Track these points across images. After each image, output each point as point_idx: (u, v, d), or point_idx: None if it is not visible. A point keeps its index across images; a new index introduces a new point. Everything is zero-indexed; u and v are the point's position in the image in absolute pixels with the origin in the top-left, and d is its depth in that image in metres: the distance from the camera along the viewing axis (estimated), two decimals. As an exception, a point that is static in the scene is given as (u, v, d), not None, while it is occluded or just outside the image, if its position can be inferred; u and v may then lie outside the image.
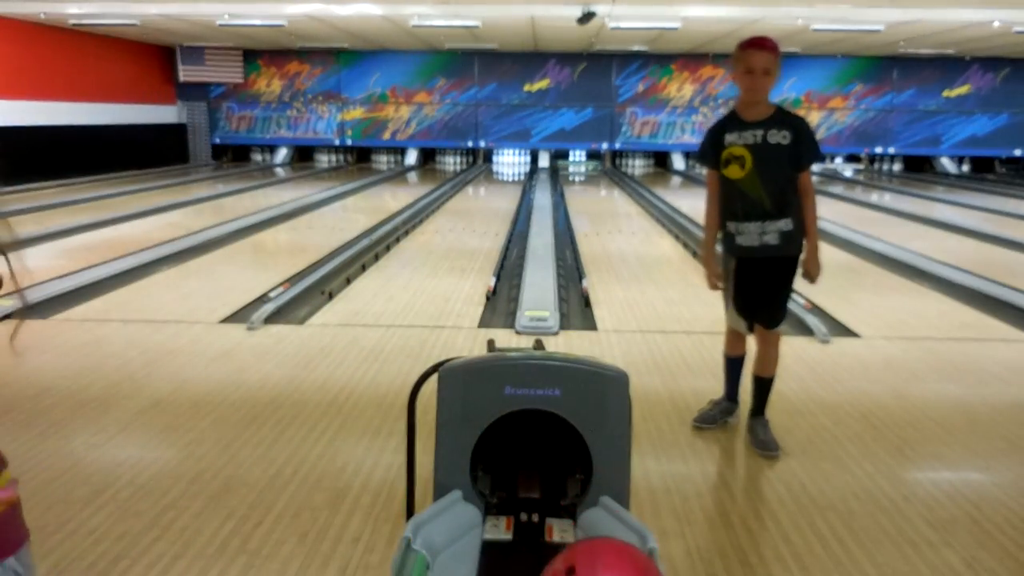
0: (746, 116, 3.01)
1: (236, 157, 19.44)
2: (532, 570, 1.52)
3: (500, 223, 9.70)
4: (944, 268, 6.87)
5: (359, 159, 19.56)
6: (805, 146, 2.97)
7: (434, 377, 1.88)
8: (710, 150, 3.09)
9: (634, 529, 1.68)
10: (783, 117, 2.99)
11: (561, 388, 1.78)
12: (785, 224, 3.02)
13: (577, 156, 19.84)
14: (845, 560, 2.44)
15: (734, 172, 3.01)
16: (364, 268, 6.83)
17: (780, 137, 2.95)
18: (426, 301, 5.69)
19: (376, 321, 5.15)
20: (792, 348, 4.34)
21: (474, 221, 10.08)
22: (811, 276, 3.10)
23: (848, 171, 18.80)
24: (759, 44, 2.91)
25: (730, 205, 3.10)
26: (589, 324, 5.21)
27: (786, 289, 3.19)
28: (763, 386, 3.28)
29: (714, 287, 3.24)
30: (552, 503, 1.84)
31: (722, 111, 18.51)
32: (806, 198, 3.04)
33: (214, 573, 2.34)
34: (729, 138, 3.01)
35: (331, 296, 5.77)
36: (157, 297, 5.76)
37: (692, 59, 18.04)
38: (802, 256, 3.12)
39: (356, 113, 18.72)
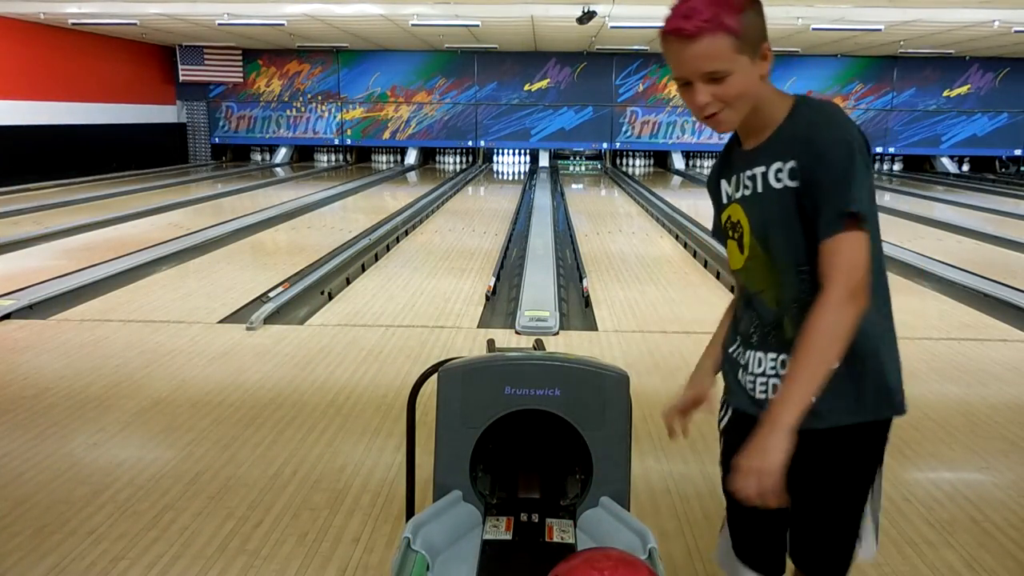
0: (744, 142, 1.55)
1: (236, 157, 19.43)
2: (532, 570, 1.51)
3: (500, 223, 9.70)
4: (944, 268, 6.87)
5: (359, 159, 19.55)
6: (821, 181, 1.40)
7: (434, 377, 1.88)
8: (715, 212, 1.68)
9: (634, 529, 1.68)
10: (792, 129, 1.45)
11: (561, 388, 1.78)
12: None
13: (577, 156, 19.84)
14: (845, 560, 2.44)
15: (733, 256, 1.61)
16: (364, 268, 6.83)
17: (786, 174, 1.44)
18: (426, 301, 5.69)
19: (376, 321, 5.15)
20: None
21: (474, 221, 10.08)
22: (738, 469, 1.39)
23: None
24: (676, 26, 1.39)
25: (734, 312, 1.70)
26: (589, 324, 5.21)
27: (845, 498, 1.55)
28: None
29: (670, 432, 1.73)
30: (552, 503, 1.84)
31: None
32: (825, 295, 1.39)
33: (214, 573, 2.34)
34: (725, 188, 1.60)
35: (331, 296, 5.77)
36: (156, 297, 5.75)
37: (692, 59, 18.02)
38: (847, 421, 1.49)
39: (356, 113, 18.71)
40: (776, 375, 1.52)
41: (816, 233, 1.40)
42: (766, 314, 1.54)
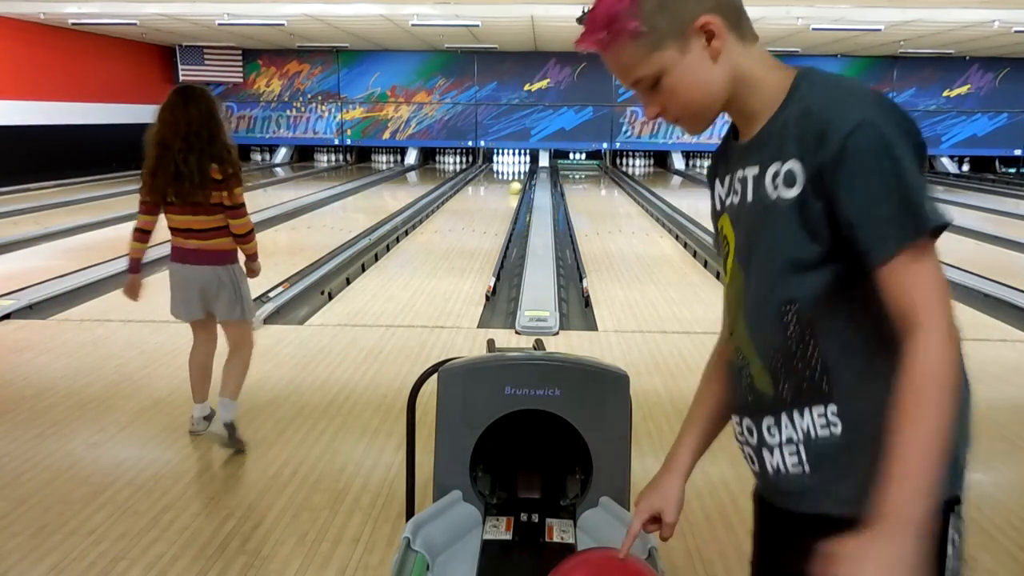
0: (740, 132, 1.19)
1: (236, 157, 19.42)
2: (532, 570, 1.51)
3: (500, 223, 9.69)
4: (944, 268, 6.86)
5: (359, 159, 19.55)
6: (850, 185, 1.01)
7: (434, 377, 1.88)
8: (712, 220, 1.29)
9: (634, 529, 1.67)
10: (792, 114, 1.07)
11: (561, 388, 1.78)
12: (819, 421, 1.10)
13: (577, 156, 19.84)
14: (845, 560, 2.43)
15: (726, 278, 1.24)
16: (364, 268, 6.83)
17: (782, 179, 1.07)
18: (426, 301, 5.69)
19: (376, 321, 5.15)
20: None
21: (474, 221, 10.08)
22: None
23: None
24: (579, 41, 1.14)
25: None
26: (589, 324, 5.21)
27: None
28: None
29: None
30: (552, 503, 1.84)
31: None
32: (915, 340, 1.03)
33: (214, 573, 2.34)
34: (719, 191, 1.24)
35: (331, 296, 5.77)
36: (156, 297, 5.73)
37: (692, 59, 18.03)
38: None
39: (356, 113, 18.72)
40: (758, 445, 1.18)
41: (864, 258, 1.05)
42: (735, 366, 1.23)
